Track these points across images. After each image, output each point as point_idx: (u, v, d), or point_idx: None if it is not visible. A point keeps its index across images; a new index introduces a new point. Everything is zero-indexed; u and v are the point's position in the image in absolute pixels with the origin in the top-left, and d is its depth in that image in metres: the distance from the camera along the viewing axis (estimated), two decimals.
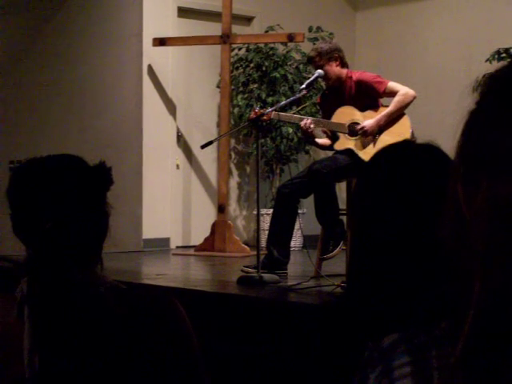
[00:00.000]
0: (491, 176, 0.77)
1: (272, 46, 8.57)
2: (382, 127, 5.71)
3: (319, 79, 6.01)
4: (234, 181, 8.93)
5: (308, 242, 6.25)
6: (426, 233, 1.37)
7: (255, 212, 6.40)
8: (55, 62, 8.66)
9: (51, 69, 8.65)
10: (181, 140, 8.59)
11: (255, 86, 8.54)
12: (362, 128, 5.68)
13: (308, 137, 5.83)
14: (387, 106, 5.74)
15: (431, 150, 1.51)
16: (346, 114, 5.79)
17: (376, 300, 1.44)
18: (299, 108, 7.56)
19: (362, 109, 5.77)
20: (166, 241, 8.39)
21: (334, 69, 5.81)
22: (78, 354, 1.65)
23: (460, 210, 0.80)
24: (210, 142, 5.87)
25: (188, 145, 8.66)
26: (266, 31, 8.57)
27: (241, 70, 8.63)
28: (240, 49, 8.62)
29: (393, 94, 5.72)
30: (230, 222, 7.82)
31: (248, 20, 9.01)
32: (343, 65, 5.86)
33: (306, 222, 7.74)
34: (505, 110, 0.78)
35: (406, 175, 1.49)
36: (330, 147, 5.95)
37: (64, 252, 1.76)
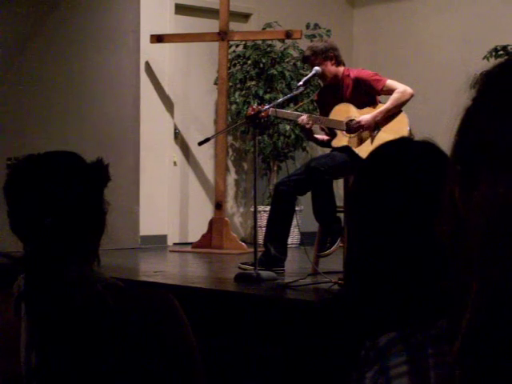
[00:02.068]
0: (488, 173, 0.77)
1: (269, 42, 8.57)
2: (378, 123, 5.71)
3: (316, 77, 6.01)
4: (231, 178, 8.93)
5: (305, 239, 6.25)
6: (423, 231, 1.37)
7: (252, 209, 6.39)
8: (52, 59, 8.65)
9: (48, 65, 8.64)
10: (178, 137, 8.59)
11: (253, 82, 8.54)
12: (359, 122, 5.68)
13: (307, 133, 5.83)
14: (385, 103, 5.74)
15: (429, 147, 1.51)
16: (343, 112, 5.79)
17: (373, 298, 1.44)
18: (298, 106, 7.56)
19: (360, 106, 5.77)
20: (163, 238, 8.38)
21: (330, 68, 5.81)
22: (75, 351, 1.65)
23: (457, 208, 0.80)
24: (208, 139, 5.87)
25: (185, 142, 8.66)
26: (264, 28, 8.57)
27: (238, 66, 8.63)
28: (237, 46, 8.62)
29: (391, 91, 5.71)
30: (227, 218, 7.82)
31: (245, 17, 9.01)
32: (339, 63, 5.85)
33: (303, 219, 7.74)
34: (501, 107, 0.78)
35: (404, 172, 1.49)
36: (328, 143, 5.96)
37: (61, 249, 1.76)
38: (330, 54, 5.80)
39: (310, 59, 5.87)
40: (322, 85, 6.28)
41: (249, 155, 8.81)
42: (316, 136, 5.92)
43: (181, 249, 7.97)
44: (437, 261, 1.26)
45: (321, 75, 5.86)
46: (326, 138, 5.96)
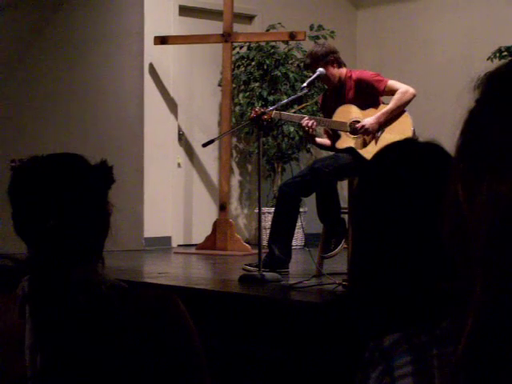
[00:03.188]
0: (492, 174, 0.77)
1: (273, 44, 8.57)
2: (382, 124, 5.71)
3: (320, 80, 6.00)
4: (235, 179, 8.93)
5: (309, 240, 6.25)
6: (427, 231, 1.37)
7: (257, 210, 6.39)
8: (56, 61, 8.66)
9: (52, 67, 8.65)
10: (182, 138, 8.59)
11: (256, 84, 8.54)
12: (363, 126, 5.68)
13: (309, 136, 5.83)
14: (388, 104, 5.74)
15: (433, 149, 1.51)
16: (346, 113, 5.79)
17: (377, 299, 1.44)
18: (300, 107, 7.55)
19: (363, 107, 5.77)
20: (168, 239, 8.39)
21: (333, 71, 5.80)
22: (80, 353, 1.65)
23: (460, 209, 0.80)
24: (212, 141, 5.87)
25: (189, 143, 8.67)
26: (268, 30, 8.57)
27: (242, 68, 8.64)
28: (241, 47, 8.62)
29: (393, 92, 5.71)
30: (231, 220, 7.82)
31: (249, 18, 9.01)
32: (340, 65, 5.85)
33: (307, 220, 7.74)
34: (504, 108, 0.78)
35: (408, 173, 1.49)
36: (330, 148, 5.95)
37: (65, 251, 1.76)
38: (330, 58, 5.79)
39: (311, 66, 5.88)
40: (326, 87, 6.26)
41: (253, 157, 8.81)
42: (317, 139, 5.91)
43: (185, 250, 7.97)
44: (441, 261, 1.26)
45: (325, 79, 5.85)
46: (327, 142, 5.95)
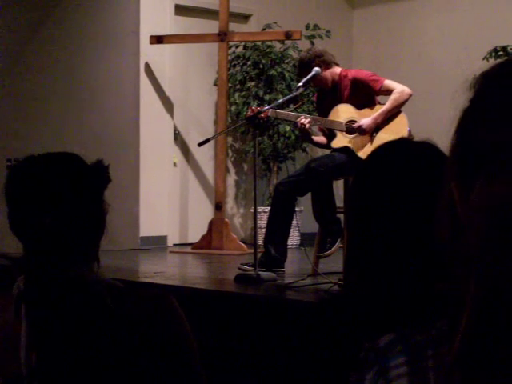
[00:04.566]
0: (486, 174, 0.77)
1: (269, 43, 8.57)
2: (379, 125, 5.71)
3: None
4: (231, 179, 8.93)
5: (305, 239, 6.24)
6: (422, 231, 1.37)
7: (252, 210, 6.39)
8: (53, 60, 8.65)
9: (48, 67, 8.64)
10: (178, 138, 8.59)
11: (252, 83, 8.54)
12: (360, 126, 5.68)
13: (305, 134, 5.82)
14: (384, 104, 5.74)
15: (428, 148, 1.51)
16: (342, 112, 5.78)
17: (372, 299, 1.44)
18: (296, 106, 7.55)
19: (359, 107, 5.76)
20: (163, 239, 8.38)
21: (323, 74, 5.79)
22: (75, 352, 1.65)
23: (455, 209, 0.80)
24: (208, 140, 5.86)
25: (185, 143, 8.66)
26: (264, 29, 8.57)
27: (238, 67, 8.64)
28: (237, 46, 8.62)
29: (389, 92, 5.71)
30: (227, 219, 7.82)
31: (245, 18, 9.01)
32: (329, 65, 5.82)
33: (303, 219, 7.74)
34: (498, 107, 0.78)
35: (403, 173, 1.49)
36: (326, 145, 5.95)
37: (61, 250, 1.76)
38: (316, 63, 5.78)
39: (301, 75, 5.90)
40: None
41: (249, 156, 8.81)
42: (313, 138, 5.91)
43: (181, 250, 7.97)
44: (436, 261, 1.26)
45: (317, 81, 5.85)
46: (324, 140, 5.95)
